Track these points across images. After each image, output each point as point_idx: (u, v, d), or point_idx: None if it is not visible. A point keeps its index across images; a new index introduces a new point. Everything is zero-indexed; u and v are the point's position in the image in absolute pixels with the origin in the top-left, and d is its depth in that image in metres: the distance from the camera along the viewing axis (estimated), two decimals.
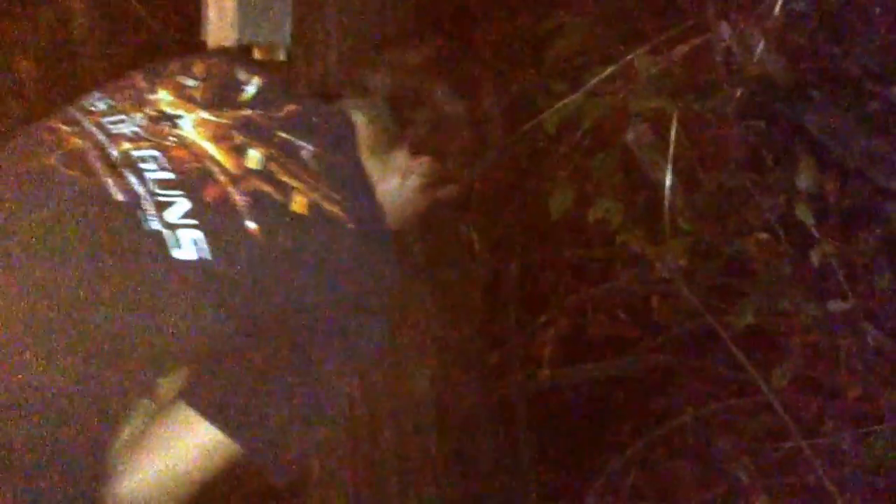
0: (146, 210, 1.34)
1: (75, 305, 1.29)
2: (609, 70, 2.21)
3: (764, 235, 2.27)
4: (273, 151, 1.42)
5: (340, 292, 1.38)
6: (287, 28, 2.15)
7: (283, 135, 1.44)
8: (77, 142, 1.38)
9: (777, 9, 2.15)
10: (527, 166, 2.84)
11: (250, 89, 1.49)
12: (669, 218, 2.37)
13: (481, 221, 2.91)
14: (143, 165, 1.37)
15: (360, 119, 1.52)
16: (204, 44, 2.14)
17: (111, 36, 3.17)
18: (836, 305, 2.32)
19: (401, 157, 1.52)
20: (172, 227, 1.33)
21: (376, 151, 1.51)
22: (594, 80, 2.20)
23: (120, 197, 1.34)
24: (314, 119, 1.48)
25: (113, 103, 1.45)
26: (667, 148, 2.31)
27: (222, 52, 1.91)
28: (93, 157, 1.37)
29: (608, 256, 2.77)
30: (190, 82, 1.49)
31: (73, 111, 1.45)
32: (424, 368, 2.67)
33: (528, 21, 2.85)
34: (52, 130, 1.41)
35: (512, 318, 3.08)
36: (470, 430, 2.76)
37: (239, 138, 1.42)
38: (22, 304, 1.29)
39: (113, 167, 1.36)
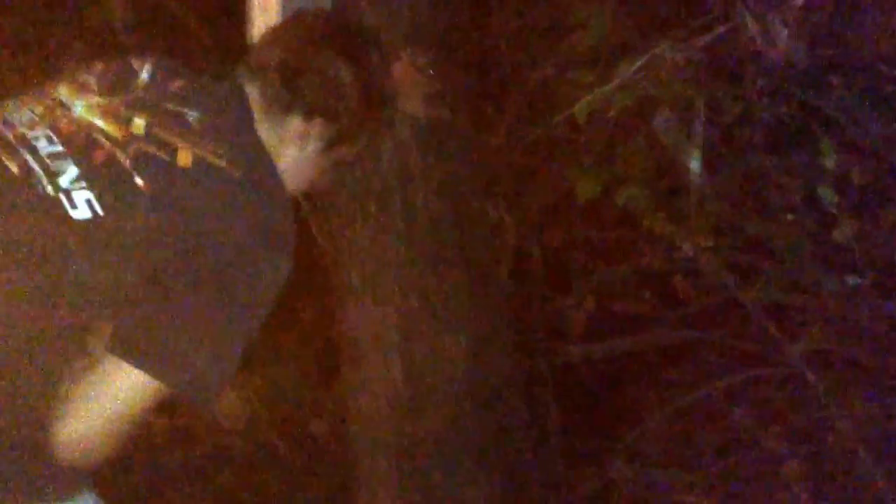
0: (41, 179, 1.52)
1: None
2: (640, 61, 2.30)
3: (789, 216, 2.37)
4: (157, 118, 1.59)
5: (231, 234, 1.52)
6: None
7: (169, 105, 1.61)
8: None
9: None
10: (552, 150, 2.93)
11: (144, 74, 1.66)
12: (695, 200, 2.47)
13: (509, 202, 3.00)
14: (36, 143, 1.56)
15: (253, 92, 1.66)
16: (248, 39, 2.22)
17: (153, 38, 3.26)
18: (855, 280, 2.43)
19: (296, 122, 1.66)
20: (66, 191, 1.51)
21: (271, 119, 1.66)
22: (629, 71, 2.29)
23: (16, 171, 1.53)
24: (203, 91, 1.64)
25: (18, 102, 1.64)
26: (692, 133, 2.41)
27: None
28: None
29: (632, 237, 2.86)
30: (89, 78, 1.66)
31: None
32: (460, 344, 2.79)
33: (549, 12, 2.92)
34: None
35: (538, 296, 3.18)
36: (502, 403, 2.87)
37: (124, 111, 1.60)
38: None
39: (9, 146, 1.56)
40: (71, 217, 1.50)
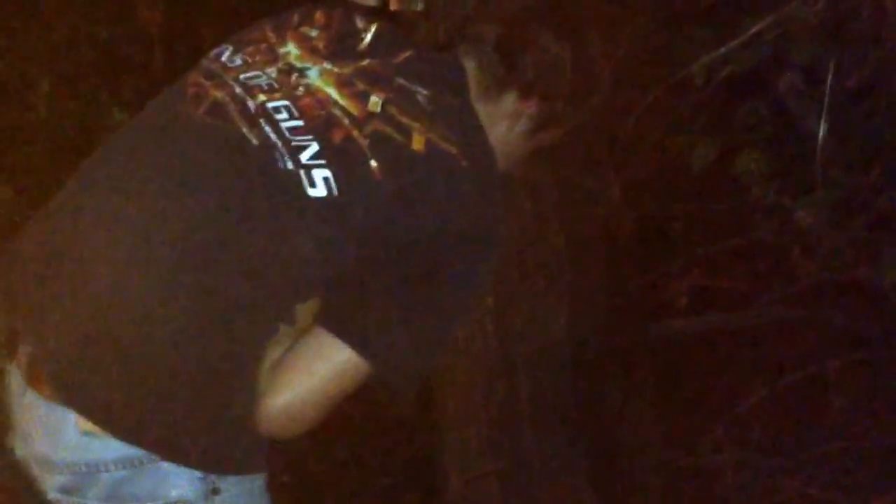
0: (282, 154, 1.49)
1: (224, 235, 1.46)
2: (768, 19, 2.18)
3: None
4: (392, 95, 1.54)
5: (456, 225, 1.50)
6: None
7: (401, 80, 1.56)
8: (219, 95, 1.55)
9: None
10: (659, 114, 2.81)
11: (367, 37, 1.61)
12: (819, 170, 2.35)
13: (612, 168, 2.89)
14: (277, 116, 1.52)
15: (470, 65, 1.60)
16: None
17: None
18: None
19: (510, 101, 1.60)
20: (305, 167, 1.48)
21: (487, 96, 1.59)
22: (753, 29, 2.16)
23: (256, 142, 1.49)
24: (427, 65, 1.59)
25: (248, 59, 1.60)
26: (820, 97, 2.28)
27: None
28: (232, 109, 1.53)
29: (745, 207, 2.75)
30: (313, 32, 1.61)
31: (213, 66, 1.60)
32: (557, 311, 2.71)
33: None
34: (198, 85, 1.57)
35: (639, 266, 3.08)
36: (597, 371, 2.80)
37: (361, 85, 1.55)
38: (176, 233, 1.47)
39: (250, 117, 1.52)
40: (307, 194, 1.47)
